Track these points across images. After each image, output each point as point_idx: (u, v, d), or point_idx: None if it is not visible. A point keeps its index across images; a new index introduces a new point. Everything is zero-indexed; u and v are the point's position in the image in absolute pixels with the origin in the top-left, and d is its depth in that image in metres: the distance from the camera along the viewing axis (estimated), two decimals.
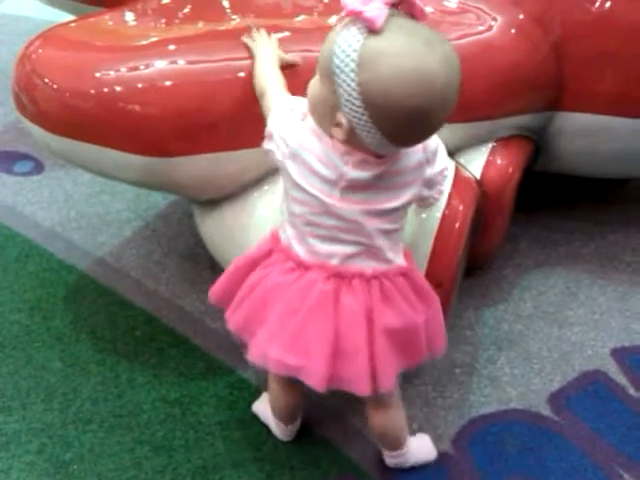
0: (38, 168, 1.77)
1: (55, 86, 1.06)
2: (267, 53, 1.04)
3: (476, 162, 1.28)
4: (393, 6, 0.77)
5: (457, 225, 1.12)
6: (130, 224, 1.59)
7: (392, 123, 0.78)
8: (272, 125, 0.91)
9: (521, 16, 1.29)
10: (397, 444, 1.08)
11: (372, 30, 0.75)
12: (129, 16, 1.20)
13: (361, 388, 0.92)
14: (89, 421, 1.17)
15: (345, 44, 0.77)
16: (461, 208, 1.14)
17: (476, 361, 1.28)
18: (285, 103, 0.93)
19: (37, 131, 1.12)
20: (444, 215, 1.11)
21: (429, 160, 0.89)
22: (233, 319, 1.00)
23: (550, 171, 1.50)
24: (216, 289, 1.04)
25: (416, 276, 0.96)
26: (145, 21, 1.21)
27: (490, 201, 1.28)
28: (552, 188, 1.66)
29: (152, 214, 1.62)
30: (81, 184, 1.70)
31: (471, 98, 1.23)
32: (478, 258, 1.38)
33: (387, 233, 0.90)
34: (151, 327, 1.34)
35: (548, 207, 1.63)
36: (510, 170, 1.30)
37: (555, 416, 1.19)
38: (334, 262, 0.90)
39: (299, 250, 0.92)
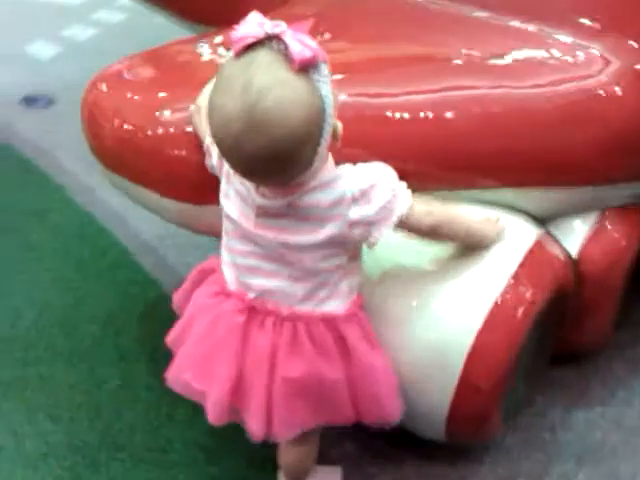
0: None
1: (112, 124, 1.07)
2: None
3: (575, 235, 1.08)
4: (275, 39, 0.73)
5: (519, 314, 0.95)
6: (216, 251, 1.58)
7: (215, 142, 0.79)
8: (208, 140, 0.90)
9: None
10: (302, 478, 1.05)
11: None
12: (202, 48, 1.17)
13: (254, 432, 0.90)
14: (122, 448, 1.18)
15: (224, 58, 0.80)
16: (529, 295, 0.97)
17: (546, 474, 1.08)
18: None
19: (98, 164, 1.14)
20: (502, 300, 0.94)
21: (355, 198, 0.82)
22: (170, 333, 1.01)
23: None
24: (176, 296, 1.04)
25: (348, 327, 0.86)
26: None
27: (592, 282, 1.08)
28: None
29: None
30: None
31: (569, 157, 1.03)
32: (577, 348, 1.18)
33: (317, 272, 0.85)
34: None
35: None
36: (621, 245, 1.09)
37: None
38: (251, 295, 0.88)
39: (227, 274, 0.91)
